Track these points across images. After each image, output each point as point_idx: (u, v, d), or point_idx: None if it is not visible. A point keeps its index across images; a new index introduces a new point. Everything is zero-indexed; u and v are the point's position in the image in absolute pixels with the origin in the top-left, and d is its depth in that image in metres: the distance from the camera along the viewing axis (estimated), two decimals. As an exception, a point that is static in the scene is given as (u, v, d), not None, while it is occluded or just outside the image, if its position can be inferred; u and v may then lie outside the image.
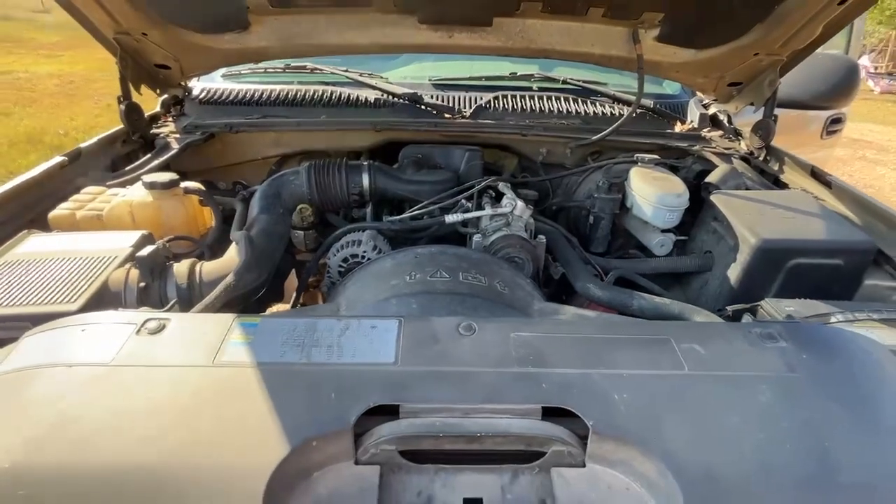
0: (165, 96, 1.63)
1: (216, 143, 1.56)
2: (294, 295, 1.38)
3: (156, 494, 0.49)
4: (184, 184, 1.16)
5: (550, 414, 0.59)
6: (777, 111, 1.60)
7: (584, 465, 0.57)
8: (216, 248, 1.16)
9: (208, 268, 0.96)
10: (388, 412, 0.58)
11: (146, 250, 0.90)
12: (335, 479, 0.55)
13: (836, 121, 2.68)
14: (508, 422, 0.58)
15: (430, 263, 0.99)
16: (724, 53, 1.43)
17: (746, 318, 0.92)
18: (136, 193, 1.11)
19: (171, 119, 1.60)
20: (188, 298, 0.92)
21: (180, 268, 0.94)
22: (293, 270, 1.48)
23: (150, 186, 1.09)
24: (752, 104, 1.60)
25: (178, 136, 1.49)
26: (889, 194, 5.55)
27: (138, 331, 0.66)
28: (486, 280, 0.95)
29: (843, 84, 1.77)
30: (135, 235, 0.97)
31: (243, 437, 0.54)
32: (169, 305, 0.82)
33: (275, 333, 0.68)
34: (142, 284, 0.87)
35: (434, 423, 0.57)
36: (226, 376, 0.60)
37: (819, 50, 1.82)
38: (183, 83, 1.62)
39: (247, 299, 1.01)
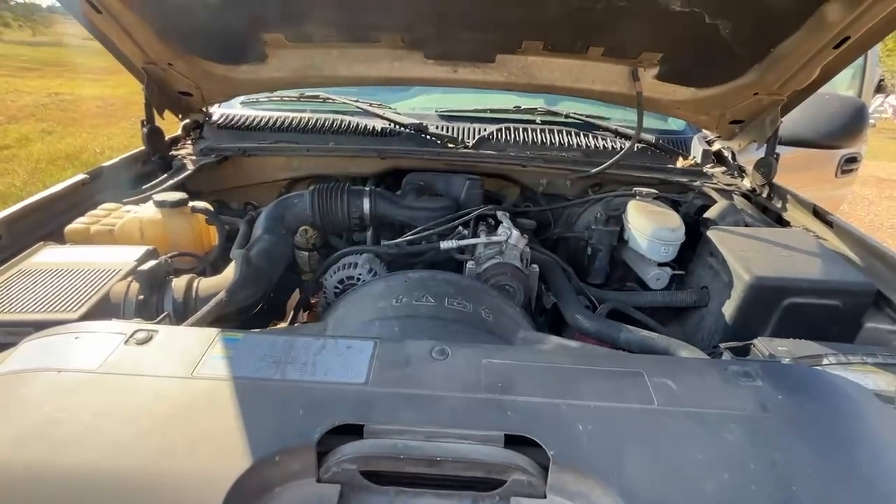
0: (187, 121, 1.73)
1: (230, 166, 1.64)
2: (292, 313, 1.41)
3: (118, 499, 0.51)
4: (192, 203, 1.22)
5: (514, 442, 0.59)
6: (787, 150, 1.60)
7: (544, 496, 0.57)
8: (219, 265, 1.21)
9: (205, 284, 1.01)
10: (354, 431, 0.60)
11: (147, 265, 0.94)
12: (296, 496, 0.56)
13: (852, 160, 2.64)
14: (469, 447, 0.58)
15: (419, 288, 1.01)
16: (724, 92, 1.45)
17: (726, 355, 0.90)
18: (147, 211, 1.18)
19: (190, 142, 1.70)
20: (183, 312, 0.96)
21: (178, 283, 0.99)
22: (297, 290, 1.52)
23: (160, 205, 1.16)
24: (755, 142, 1.61)
25: (194, 157, 1.58)
26: (917, 236, 5.36)
27: (126, 341, 0.69)
28: (471, 306, 0.96)
29: (852, 125, 1.76)
30: (140, 250, 1.02)
31: (210, 447, 0.56)
32: (160, 318, 0.86)
33: (254, 349, 0.70)
34: (140, 297, 0.91)
35: (395, 445, 0.58)
36: (201, 388, 0.63)
37: (829, 92, 1.84)
38: (203, 109, 1.72)
39: (241, 315, 1.04)
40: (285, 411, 0.60)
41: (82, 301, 0.89)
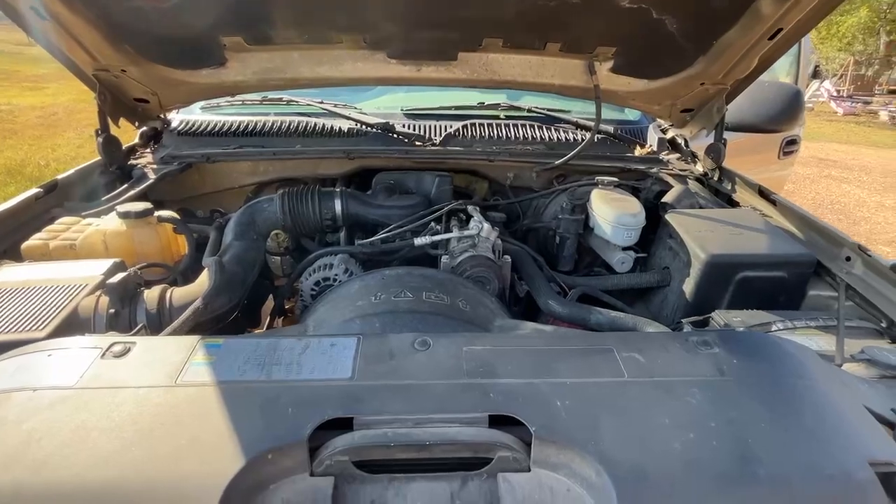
0: (144, 128, 1.67)
1: (193, 173, 1.60)
2: (268, 318, 1.40)
3: (112, 509, 0.51)
4: (158, 213, 1.20)
5: (497, 422, 0.62)
6: (735, 135, 1.70)
7: (529, 470, 0.61)
8: (189, 274, 1.19)
9: (178, 293, 0.99)
10: (344, 425, 0.61)
11: (116, 277, 0.92)
12: (291, 491, 0.58)
13: (792, 142, 2.84)
14: (457, 430, 0.61)
15: (396, 284, 1.03)
16: (674, 83, 1.54)
17: (687, 327, 0.97)
18: (110, 223, 1.14)
19: (148, 151, 1.64)
20: (158, 323, 0.94)
21: (151, 294, 0.97)
22: (270, 295, 1.50)
23: (124, 216, 1.12)
24: (705, 129, 1.71)
25: (155, 166, 1.53)
26: (854, 210, 5.79)
27: (103, 354, 0.68)
28: (448, 299, 0.99)
29: (789, 109, 1.90)
30: (106, 263, 0.99)
31: (201, 451, 0.56)
32: (136, 330, 0.85)
33: (237, 353, 0.70)
34: (111, 311, 0.89)
35: (385, 434, 0.60)
36: (186, 395, 0.63)
37: (770, 80, 1.97)
38: (161, 116, 1.67)
39: (217, 323, 1.03)
40: (274, 410, 0.61)
41: (49, 318, 0.86)
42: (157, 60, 1.42)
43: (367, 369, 0.68)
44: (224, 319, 1.03)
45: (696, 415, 0.63)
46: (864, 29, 16.25)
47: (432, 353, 0.71)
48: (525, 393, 0.65)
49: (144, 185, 1.43)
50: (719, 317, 1.03)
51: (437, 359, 0.70)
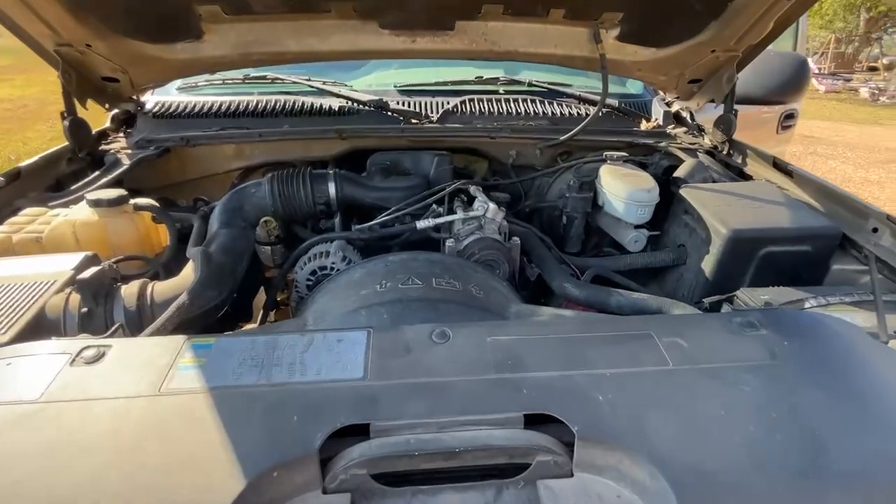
0: (115, 111, 1.54)
1: (173, 159, 1.48)
2: (261, 313, 1.31)
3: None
4: (134, 200, 1.09)
5: (533, 421, 0.55)
6: (736, 107, 1.64)
7: (571, 475, 0.54)
8: (173, 267, 1.08)
9: (161, 288, 0.89)
10: (358, 432, 0.53)
11: (89, 272, 0.82)
12: (301, 512, 0.50)
13: (790, 116, 2.79)
14: (488, 433, 0.54)
15: (402, 270, 0.94)
16: (683, 51, 1.45)
17: (725, 307, 0.91)
18: (80, 213, 1.03)
19: (121, 135, 1.51)
20: (138, 322, 0.84)
21: (129, 289, 0.87)
22: (262, 288, 1.41)
23: (95, 204, 1.01)
24: (712, 101, 1.64)
25: (129, 151, 1.41)
26: (841, 185, 5.82)
27: (73, 361, 0.59)
28: (460, 285, 0.91)
29: (796, 78, 1.84)
30: (77, 257, 0.89)
31: (194, 472, 0.48)
32: (111, 330, 0.75)
33: (230, 354, 0.62)
34: (84, 310, 0.79)
35: (408, 441, 0.52)
36: (173, 405, 0.54)
37: (771, 48, 1.90)
38: (134, 97, 1.54)
39: (206, 319, 0.94)
40: (277, 419, 0.53)
41: (11, 321, 0.76)
42: (125, 34, 1.29)
43: (381, 367, 0.60)
44: (213, 315, 0.94)
45: (754, 404, 0.56)
46: (845, 6, 16.31)
47: (453, 346, 0.64)
48: (561, 387, 0.58)
49: (118, 171, 1.31)
50: (745, 296, 0.97)
51: (459, 351, 0.63)
